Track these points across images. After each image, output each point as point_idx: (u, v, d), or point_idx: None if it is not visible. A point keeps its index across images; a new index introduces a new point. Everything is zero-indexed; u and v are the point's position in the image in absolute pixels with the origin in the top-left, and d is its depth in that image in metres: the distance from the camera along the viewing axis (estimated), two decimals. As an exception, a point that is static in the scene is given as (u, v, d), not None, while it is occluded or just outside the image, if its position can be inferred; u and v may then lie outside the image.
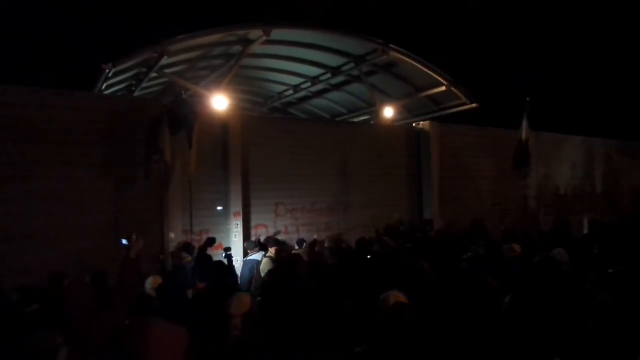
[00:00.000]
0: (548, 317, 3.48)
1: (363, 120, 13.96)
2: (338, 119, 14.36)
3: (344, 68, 11.93)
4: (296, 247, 8.39)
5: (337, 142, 10.24)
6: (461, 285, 4.53)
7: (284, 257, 6.85)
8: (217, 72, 11.08)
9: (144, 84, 11.13)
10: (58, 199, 7.08)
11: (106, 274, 5.50)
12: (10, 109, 6.89)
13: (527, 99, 10.64)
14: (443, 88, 11.68)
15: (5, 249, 6.55)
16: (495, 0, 22.18)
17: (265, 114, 14.99)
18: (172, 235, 7.98)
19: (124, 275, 3.19)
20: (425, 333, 3.15)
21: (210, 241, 7.31)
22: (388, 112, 12.21)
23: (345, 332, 3.50)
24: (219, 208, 8.70)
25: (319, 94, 13.87)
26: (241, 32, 9.67)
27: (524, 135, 10.58)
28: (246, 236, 8.77)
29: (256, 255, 7.69)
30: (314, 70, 12.36)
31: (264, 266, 7.19)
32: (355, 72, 12.01)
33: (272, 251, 7.64)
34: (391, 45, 10.75)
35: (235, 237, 8.66)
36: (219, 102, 9.34)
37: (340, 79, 12.59)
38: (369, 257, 6.90)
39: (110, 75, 9.31)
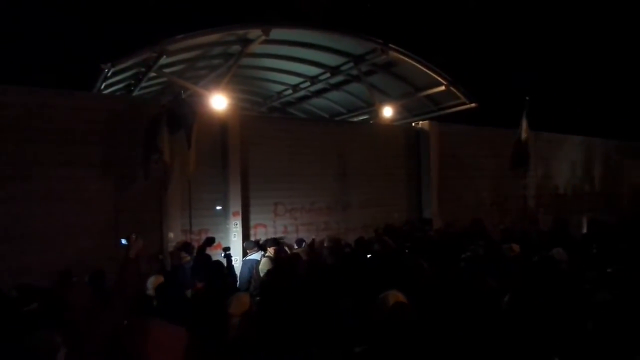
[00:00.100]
0: (547, 316, 3.48)
1: (362, 120, 13.96)
2: (337, 118, 14.36)
3: (344, 68, 11.93)
4: (295, 247, 8.39)
5: (336, 142, 10.24)
6: (460, 285, 4.54)
7: (283, 257, 6.86)
8: (216, 71, 11.08)
9: (143, 84, 11.13)
10: (58, 198, 7.08)
11: (104, 274, 5.51)
12: (9, 109, 6.89)
13: (527, 98, 10.64)
14: (442, 88, 11.69)
15: (5, 249, 6.55)
16: (495, 0, 22.18)
17: (265, 114, 14.99)
18: (171, 235, 7.98)
19: (123, 275, 3.18)
20: (426, 333, 3.15)
21: (210, 241, 7.31)
22: (387, 111, 12.22)
23: (344, 332, 3.50)
24: (218, 208, 8.70)
25: (318, 93, 13.87)
26: (240, 32, 9.67)
27: (523, 135, 10.59)
28: (245, 236, 8.77)
29: (255, 255, 7.70)
30: (313, 70, 12.36)
31: (263, 266, 7.19)
32: (354, 72, 12.01)
33: (271, 251, 7.64)
34: (390, 45, 10.76)
35: (234, 236, 8.66)
36: (218, 101, 9.34)
37: (339, 78, 12.59)
38: (368, 256, 6.90)
39: (109, 75, 9.31)
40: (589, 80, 21.99)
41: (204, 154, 8.36)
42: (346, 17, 21.32)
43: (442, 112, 12.81)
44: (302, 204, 9.67)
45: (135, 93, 11.34)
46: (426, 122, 11.69)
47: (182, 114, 7.73)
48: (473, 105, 12.03)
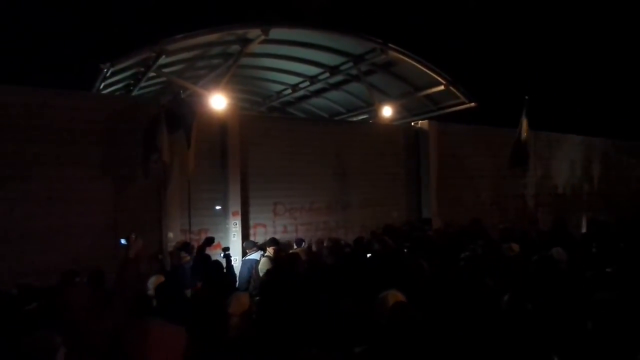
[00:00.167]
0: (546, 316, 3.49)
1: (362, 119, 13.96)
2: (337, 118, 14.36)
3: (343, 67, 11.92)
4: (295, 247, 8.39)
5: (335, 142, 10.23)
6: (459, 284, 4.54)
7: (282, 257, 6.86)
8: (216, 71, 11.08)
9: (143, 84, 11.12)
10: (57, 198, 7.08)
11: (104, 274, 5.51)
12: (9, 108, 6.88)
13: (526, 97, 10.63)
14: (442, 87, 11.69)
15: (4, 248, 6.55)
16: (495, 0, 22.19)
17: (264, 114, 14.98)
18: (170, 235, 7.97)
19: (123, 275, 3.19)
20: (426, 333, 3.15)
21: (209, 241, 7.31)
22: (387, 111, 12.22)
23: (344, 332, 3.50)
24: (218, 208, 8.69)
25: (317, 93, 13.87)
26: (240, 32, 9.66)
27: (523, 134, 10.58)
28: (245, 236, 8.76)
29: (255, 255, 7.70)
30: (312, 70, 12.35)
31: (263, 266, 7.20)
32: (354, 72, 12.01)
33: (270, 251, 7.65)
34: (390, 44, 10.75)
35: (234, 236, 8.66)
36: (218, 101, 9.33)
37: (339, 78, 12.58)
38: (368, 256, 6.90)
39: (108, 75, 9.31)
40: (588, 80, 22.00)
41: (203, 154, 8.36)
42: (345, 17, 21.34)
43: (441, 112, 12.80)
44: (301, 204, 9.67)
45: (135, 93, 11.33)
46: (425, 121, 11.69)
47: (181, 113, 7.73)
48: (472, 104, 12.03)
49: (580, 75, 21.93)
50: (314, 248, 8.62)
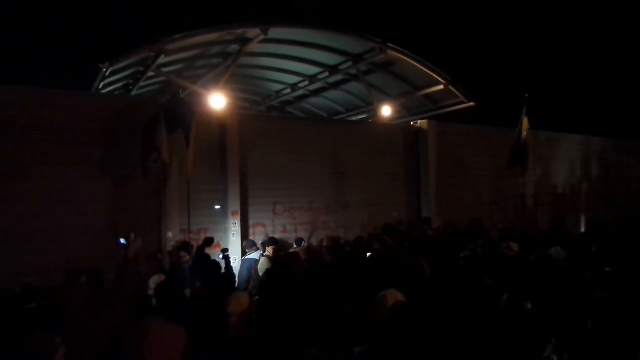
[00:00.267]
0: (546, 315, 3.49)
1: (361, 119, 13.96)
2: (336, 118, 14.36)
3: (342, 67, 11.92)
4: (295, 246, 8.39)
5: (335, 141, 10.23)
6: (459, 284, 4.54)
7: (281, 257, 6.86)
8: (215, 71, 11.07)
9: (142, 83, 11.12)
10: (57, 198, 7.07)
11: (103, 274, 5.50)
12: (8, 108, 6.87)
13: (526, 95, 10.61)
14: (441, 87, 11.69)
15: (4, 248, 6.54)
16: (495, 0, 22.20)
17: (264, 113, 14.98)
18: (170, 234, 7.97)
19: (122, 274, 3.19)
20: (426, 333, 3.15)
21: (209, 241, 7.31)
22: (386, 111, 12.23)
23: (344, 332, 3.50)
24: (217, 207, 8.69)
25: (317, 92, 13.87)
26: (239, 31, 9.66)
27: (523, 133, 10.57)
28: (244, 235, 8.75)
29: (254, 255, 7.70)
30: (312, 69, 12.35)
31: (262, 266, 7.20)
32: (353, 71, 12.01)
33: (269, 250, 7.65)
34: (389, 44, 10.76)
35: (233, 236, 8.66)
36: (217, 101, 9.33)
37: (338, 77, 12.58)
38: (368, 255, 6.90)
39: (107, 74, 9.30)
40: (588, 80, 22.01)
41: (202, 154, 8.36)
42: (345, 16, 21.33)
43: (441, 111, 12.81)
44: (301, 204, 9.67)
45: (134, 92, 11.33)
46: (425, 121, 11.68)
47: (180, 113, 7.73)
48: (472, 104, 12.04)
49: (579, 74, 21.94)
50: (312, 242, 8.63)
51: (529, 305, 3.55)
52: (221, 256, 7.36)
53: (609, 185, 15.29)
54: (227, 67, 10.59)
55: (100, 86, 10.06)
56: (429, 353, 3.01)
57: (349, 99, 13.84)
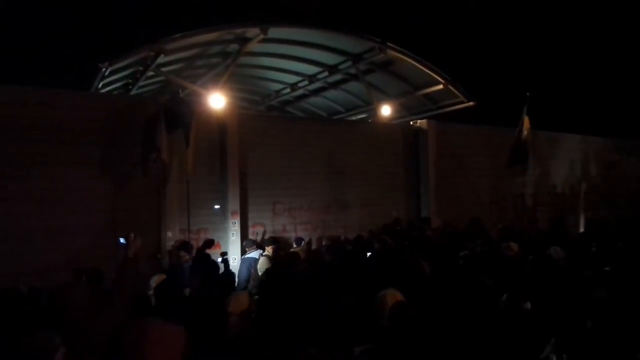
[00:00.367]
0: (545, 315, 3.49)
1: (361, 118, 13.96)
2: (336, 117, 14.36)
3: (342, 66, 11.92)
4: (294, 246, 8.39)
5: (334, 141, 10.23)
6: (458, 283, 4.54)
7: (281, 256, 6.85)
8: (214, 70, 11.07)
9: (141, 83, 11.11)
10: (56, 198, 7.07)
11: (102, 273, 5.50)
12: (8, 108, 6.87)
13: (527, 94, 10.59)
14: (441, 86, 11.70)
15: (4, 248, 6.54)
16: (495, 0, 22.19)
17: (263, 113, 14.98)
18: (169, 234, 7.97)
19: (122, 274, 3.18)
20: (426, 332, 3.15)
21: (209, 243, 7.31)
22: (386, 110, 12.23)
23: (344, 332, 3.50)
24: (217, 207, 8.69)
25: (316, 92, 13.87)
26: (238, 31, 9.66)
27: (524, 132, 10.55)
28: (244, 235, 8.76)
29: (254, 254, 7.70)
30: (311, 69, 12.35)
31: (262, 265, 7.20)
32: (352, 71, 12.01)
33: (269, 250, 7.64)
34: (389, 43, 10.76)
35: (233, 235, 8.66)
36: (216, 100, 9.33)
37: (337, 77, 12.58)
38: (368, 255, 6.90)
39: (107, 74, 9.30)
40: (588, 79, 22.01)
41: (202, 153, 8.37)
42: (344, 16, 21.33)
43: (440, 111, 12.81)
44: (300, 203, 9.67)
45: (133, 92, 11.32)
46: (424, 121, 11.69)
47: (180, 113, 7.73)
48: (471, 103, 12.04)
49: (579, 74, 21.94)
50: (313, 246, 8.63)
51: (528, 305, 3.56)
52: (220, 259, 7.36)
53: (608, 185, 15.29)
54: (227, 66, 10.58)
55: (100, 86, 10.06)
56: (429, 353, 3.01)
57: (348, 99, 13.84)
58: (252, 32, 9.62)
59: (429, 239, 7.94)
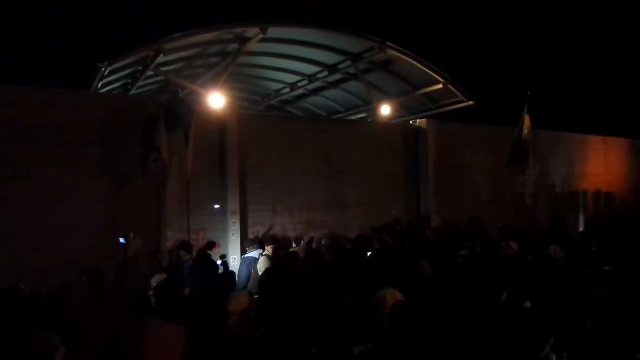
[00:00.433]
0: (545, 315, 3.49)
1: (360, 118, 13.97)
2: (335, 117, 14.36)
3: (341, 66, 11.92)
4: (294, 245, 8.39)
5: (334, 141, 10.23)
6: (458, 283, 4.54)
7: (281, 256, 6.85)
8: (214, 70, 11.07)
9: (141, 83, 11.12)
10: (56, 198, 7.07)
11: (102, 273, 5.50)
12: (8, 108, 6.87)
13: (528, 92, 10.57)
14: (440, 86, 11.70)
15: (4, 248, 6.54)
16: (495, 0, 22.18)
17: (263, 113, 14.98)
18: (169, 234, 7.97)
19: (122, 274, 3.18)
20: (426, 332, 3.15)
21: (211, 245, 7.32)
22: (385, 110, 12.23)
23: (344, 331, 3.50)
24: (217, 207, 8.69)
25: (316, 92, 13.87)
26: (238, 31, 9.66)
27: (524, 131, 10.54)
28: (244, 235, 8.76)
29: (254, 253, 7.70)
30: (311, 69, 12.35)
31: (262, 265, 7.19)
32: (352, 70, 12.01)
33: (269, 250, 7.64)
34: (388, 43, 10.76)
35: (232, 235, 8.66)
36: (216, 100, 9.33)
37: (337, 77, 12.58)
38: (369, 254, 6.90)
39: (106, 74, 9.30)
40: (588, 79, 22.00)
41: (202, 153, 8.37)
42: (344, 16, 21.31)
43: (440, 110, 12.82)
44: (300, 203, 9.67)
45: (133, 92, 11.32)
46: (424, 120, 11.69)
47: (180, 112, 7.73)
48: (471, 103, 12.05)
49: (579, 74, 21.93)
50: (313, 245, 8.62)
51: (528, 304, 3.55)
52: (220, 262, 7.36)
53: (608, 184, 15.29)
54: (226, 66, 10.58)
55: (99, 86, 10.06)
56: (429, 353, 3.01)
57: (348, 98, 13.84)
58: (252, 31, 9.62)
59: (428, 238, 7.93)
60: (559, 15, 22.66)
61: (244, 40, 9.95)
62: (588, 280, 4.81)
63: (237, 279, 7.27)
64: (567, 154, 14.48)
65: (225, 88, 10.20)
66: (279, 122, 10.56)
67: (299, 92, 13.84)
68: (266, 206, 9.29)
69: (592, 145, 15.36)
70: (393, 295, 3.55)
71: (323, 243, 8.42)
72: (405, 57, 11.07)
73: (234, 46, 10.27)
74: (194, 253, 7.33)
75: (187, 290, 5.88)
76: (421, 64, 11.24)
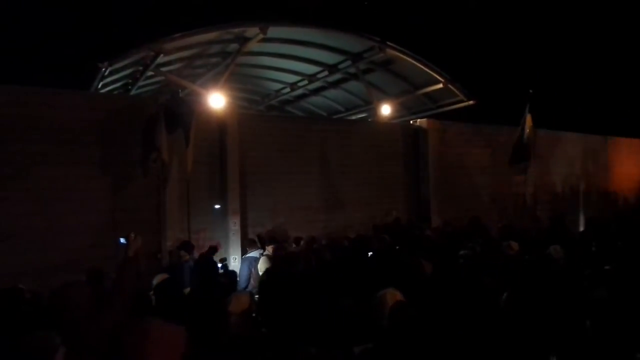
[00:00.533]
0: (545, 314, 3.48)
1: (361, 118, 13.96)
2: (336, 116, 14.36)
3: (341, 66, 11.92)
4: (294, 245, 8.39)
5: (334, 140, 10.23)
6: (458, 283, 4.54)
7: (281, 256, 6.85)
8: (214, 70, 11.08)
9: (141, 83, 11.12)
10: (56, 198, 7.08)
11: (102, 273, 5.51)
12: (8, 108, 6.87)
13: (530, 91, 10.56)
14: (440, 85, 11.70)
15: (4, 248, 6.54)
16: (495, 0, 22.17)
17: (263, 112, 14.98)
18: (170, 234, 7.97)
19: (122, 274, 3.18)
20: (426, 332, 3.15)
21: (213, 250, 7.33)
22: (385, 109, 12.24)
23: (344, 331, 3.50)
24: (217, 207, 8.69)
25: (316, 91, 13.87)
26: (238, 30, 9.67)
27: (526, 130, 10.52)
28: (244, 235, 8.76)
29: (254, 253, 7.69)
30: (311, 68, 12.35)
31: (262, 265, 7.19)
32: (352, 70, 12.01)
33: (269, 250, 7.64)
34: (388, 42, 10.77)
35: (233, 235, 8.66)
36: (216, 100, 9.33)
37: (337, 76, 12.59)
38: (369, 254, 6.89)
39: (106, 74, 9.30)
40: (588, 79, 21.99)
41: (202, 153, 8.37)
42: (344, 15, 21.30)
43: (440, 110, 12.82)
44: (300, 203, 9.67)
45: (133, 92, 11.33)
46: (424, 119, 11.69)
47: (180, 112, 7.74)
48: (471, 102, 12.04)
49: (580, 73, 21.92)
50: (314, 245, 8.62)
51: (528, 305, 3.55)
52: (220, 265, 7.36)
53: (608, 183, 15.28)
54: (226, 66, 10.58)
55: (99, 86, 10.07)
56: (429, 353, 3.01)
57: (348, 98, 13.84)
58: (252, 31, 9.62)
59: (428, 238, 7.93)
60: (559, 14, 22.66)
61: (244, 40, 9.95)
62: (588, 279, 4.81)
63: (238, 279, 7.28)
64: (568, 154, 14.47)
65: (226, 88, 10.20)
66: (279, 122, 10.57)
67: (299, 92, 13.84)
68: (266, 206, 9.29)
69: (593, 144, 15.35)
70: (393, 295, 3.54)
71: (323, 243, 8.42)
72: (405, 57, 11.07)
73: (234, 46, 10.27)
74: (195, 253, 7.32)
75: (187, 290, 5.88)
76: (421, 64, 11.24)
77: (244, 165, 8.99)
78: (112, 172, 7.60)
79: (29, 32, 21.68)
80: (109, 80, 10.38)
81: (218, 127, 8.80)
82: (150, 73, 10.28)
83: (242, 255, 8.18)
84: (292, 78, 13.18)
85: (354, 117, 14.07)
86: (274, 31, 9.76)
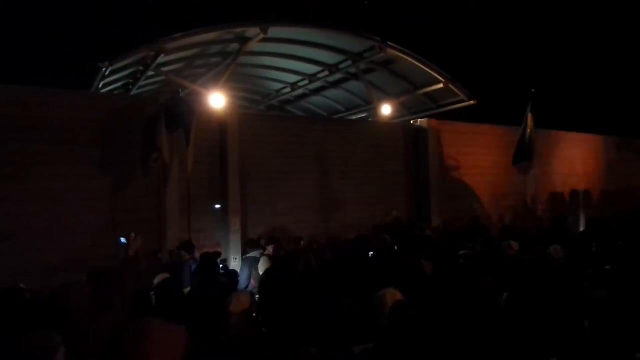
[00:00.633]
0: (545, 315, 3.48)
1: (361, 118, 13.97)
2: (336, 116, 14.37)
3: (342, 66, 11.92)
4: (294, 245, 8.38)
5: (335, 140, 10.23)
6: (458, 283, 4.54)
7: (281, 256, 6.85)
8: (215, 70, 11.09)
9: (141, 83, 11.13)
10: (57, 198, 7.07)
11: (104, 273, 5.50)
12: (8, 108, 6.88)
13: (532, 90, 10.54)
14: (441, 85, 11.70)
15: (4, 248, 6.54)
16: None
17: (263, 112, 14.99)
18: (170, 234, 7.97)
19: (123, 274, 3.19)
20: (426, 332, 3.15)
21: (217, 255, 7.31)
22: (386, 109, 12.24)
23: (344, 331, 3.50)
24: (217, 207, 8.69)
25: (316, 91, 13.87)
26: (238, 30, 9.68)
27: (527, 130, 10.50)
28: (244, 235, 8.75)
29: (255, 253, 7.69)
30: (311, 68, 12.35)
31: (263, 265, 7.19)
32: (353, 70, 12.01)
33: (269, 250, 7.64)
34: (389, 42, 10.77)
35: (233, 235, 8.66)
36: (217, 100, 9.34)
37: (338, 76, 12.59)
38: (370, 254, 6.89)
39: (107, 74, 9.31)
40: (589, 78, 21.98)
41: (202, 153, 8.37)
42: (344, 15, 21.31)
43: (441, 110, 12.82)
44: (301, 203, 9.67)
45: (134, 92, 11.34)
46: (425, 119, 11.69)
47: (180, 112, 7.74)
48: (472, 102, 12.04)
49: (580, 73, 21.91)
50: (314, 245, 8.61)
51: (529, 305, 3.55)
52: (220, 266, 7.36)
53: (609, 183, 15.26)
54: (227, 66, 10.59)
55: (100, 86, 10.07)
56: (429, 353, 3.01)
57: (349, 98, 13.84)
58: (252, 31, 9.63)
59: (428, 238, 7.93)
60: (560, 14, 22.65)
61: (245, 40, 9.95)
62: (588, 279, 4.81)
63: (239, 279, 7.28)
64: (568, 153, 14.46)
65: (226, 88, 10.22)
66: (279, 122, 10.57)
67: (300, 91, 13.85)
68: (266, 206, 9.29)
69: (594, 144, 15.34)
70: (393, 295, 3.55)
71: (323, 243, 8.42)
72: (405, 57, 11.07)
73: (234, 46, 10.28)
74: (196, 253, 7.31)
75: (187, 290, 5.88)
76: (422, 64, 11.24)
77: (244, 165, 8.99)
78: (112, 172, 7.60)
79: (29, 32, 21.70)
80: (109, 80, 10.38)
81: (219, 127, 8.80)
82: (150, 73, 10.29)
83: (242, 255, 8.18)
84: (293, 78, 13.18)
85: (354, 117, 14.07)
86: (274, 31, 9.76)
